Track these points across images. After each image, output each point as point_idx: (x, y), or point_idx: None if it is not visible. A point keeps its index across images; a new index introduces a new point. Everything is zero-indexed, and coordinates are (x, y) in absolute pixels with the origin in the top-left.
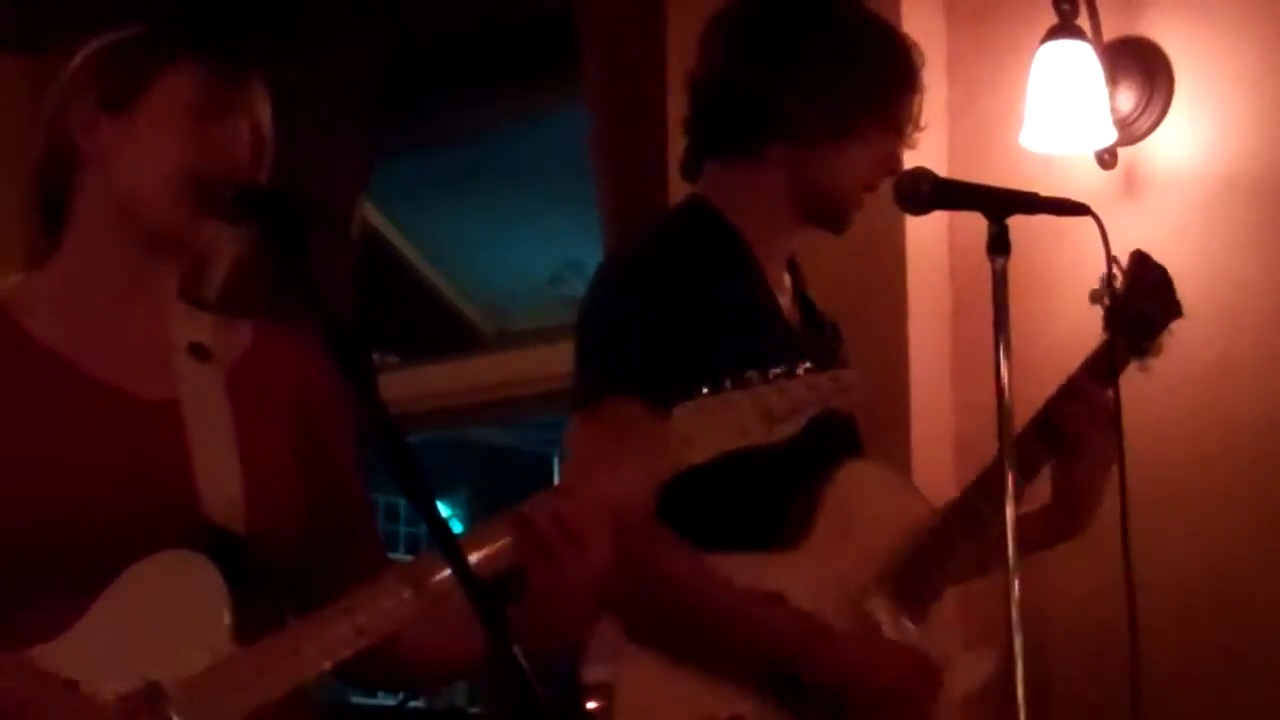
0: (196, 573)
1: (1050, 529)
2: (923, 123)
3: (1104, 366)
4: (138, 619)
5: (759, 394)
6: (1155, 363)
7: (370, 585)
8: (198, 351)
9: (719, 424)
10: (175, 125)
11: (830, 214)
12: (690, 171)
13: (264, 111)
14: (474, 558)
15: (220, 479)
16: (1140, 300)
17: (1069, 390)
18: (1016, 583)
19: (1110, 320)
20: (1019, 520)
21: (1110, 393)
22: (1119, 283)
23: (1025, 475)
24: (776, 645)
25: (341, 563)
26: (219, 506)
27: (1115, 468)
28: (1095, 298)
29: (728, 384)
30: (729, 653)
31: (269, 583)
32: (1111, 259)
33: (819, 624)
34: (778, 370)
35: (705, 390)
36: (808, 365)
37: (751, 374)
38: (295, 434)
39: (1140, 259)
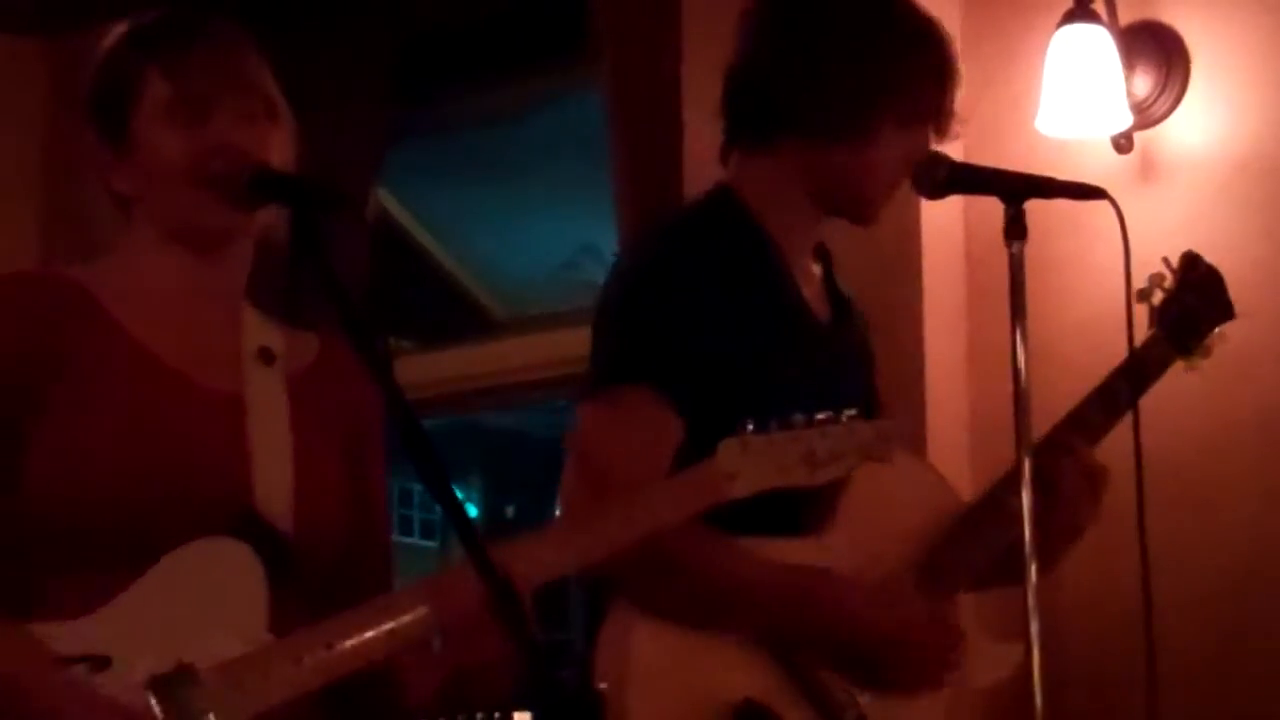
0: (239, 561)
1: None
2: (961, 115)
3: (1120, 394)
4: (177, 600)
5: (803, 438)
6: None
7: (403, 591)
8: (265, 355)
9: (762, 462)
10: (166, 140)
11: (851, 209)
12: (723, 157)
13: (254, 75)
14: (389, 625)
15: (274, 478)
16: (1188, 299)
17: (1060, 446)
18: (1033, 569)
19: (1162, 312)
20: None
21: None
22: (1168, 281)
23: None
24: (779, 600)
25: (353, 580)
26: (270, 503)
27: (1116, 457)
28: (1142, 296)
29: (773, 425)
30: (737, 619)
31: (305, 586)
32: (1164, 259)
33: (823, 573)
34: (823, 415)
35: (750, 428)
36: (852, 413)
37: (797, 417)
38: (344, 449)
39: (1191, 259)
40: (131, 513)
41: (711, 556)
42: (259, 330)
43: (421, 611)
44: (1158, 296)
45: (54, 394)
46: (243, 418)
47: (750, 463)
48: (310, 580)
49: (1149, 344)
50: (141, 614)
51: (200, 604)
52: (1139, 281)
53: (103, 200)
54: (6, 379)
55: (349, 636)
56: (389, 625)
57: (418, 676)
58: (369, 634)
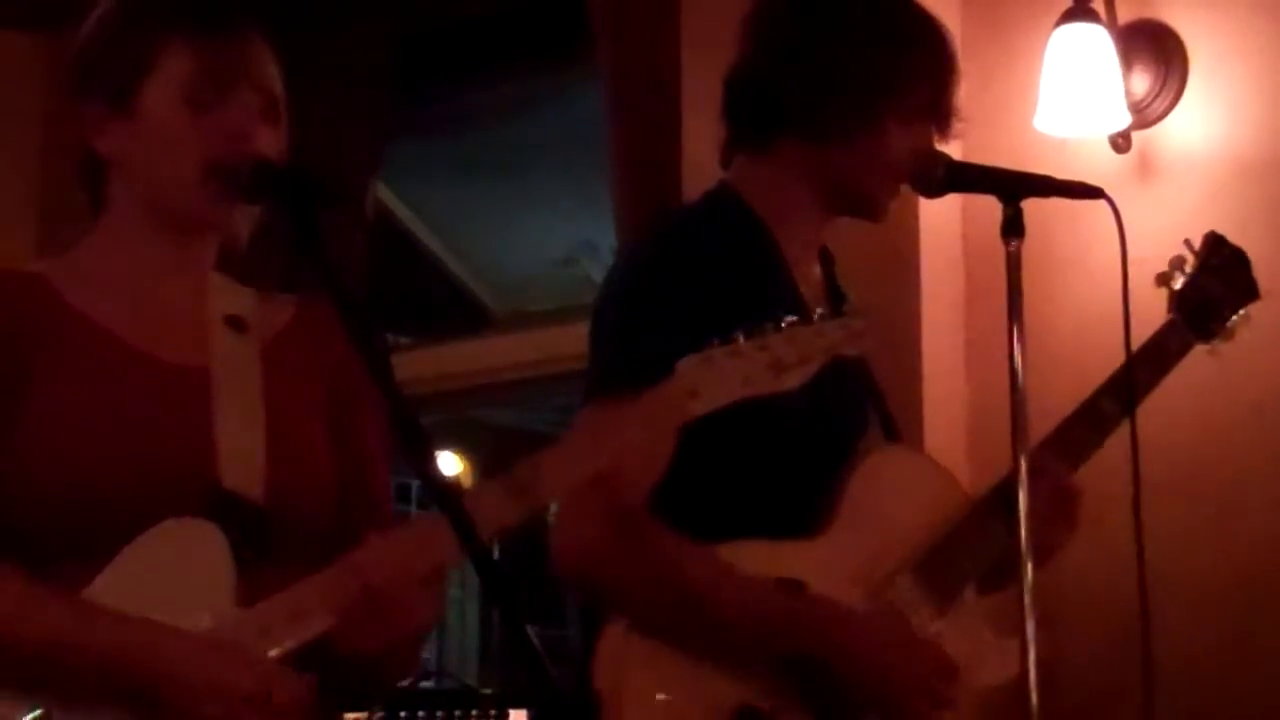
0: (202, 539)
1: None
2: (962, 113)
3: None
4: (144, 584)
5: (768, 343)
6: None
7: (374, 546)
8: (234, 323)
9: (723, 375)
10: (178, 117)
11: (858, 205)
12: (724, 160)
13: (268, 72)
14: (348, 588)
15: (242, 448)
16: (1208, 282)
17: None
18: (1030, 566)
19: (1181, 297)
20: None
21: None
22: (1190, 264)
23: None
24: (768, 627)
25: (349, 542)
26: (238, 475)
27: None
28: (1162, 280)
29: (739, 336)
30: (730, 639)
31: (294, 552)
32: (1185, 240)
33: (820, 605)
34: (792, 318)
35: (715, 342)
36: (821, 311)
37: (766, 324)
38: (329, 410)
39: (1215, 240)
40: (102, 500)
41: (722, 596)
42: (227, 298)
43: (396, 561)
44: (1178, 280)
45: (19, 388)
46: (208, 390)
47: (712, 376)
48: (294, 549)
49: (1166, 330)
50: (113, 599)
51: (168, 585)
52: (1138, 277)
53: (74, 165)
54: None
55: (317, 599)
56: (362, 580)
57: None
58: (339, 593)
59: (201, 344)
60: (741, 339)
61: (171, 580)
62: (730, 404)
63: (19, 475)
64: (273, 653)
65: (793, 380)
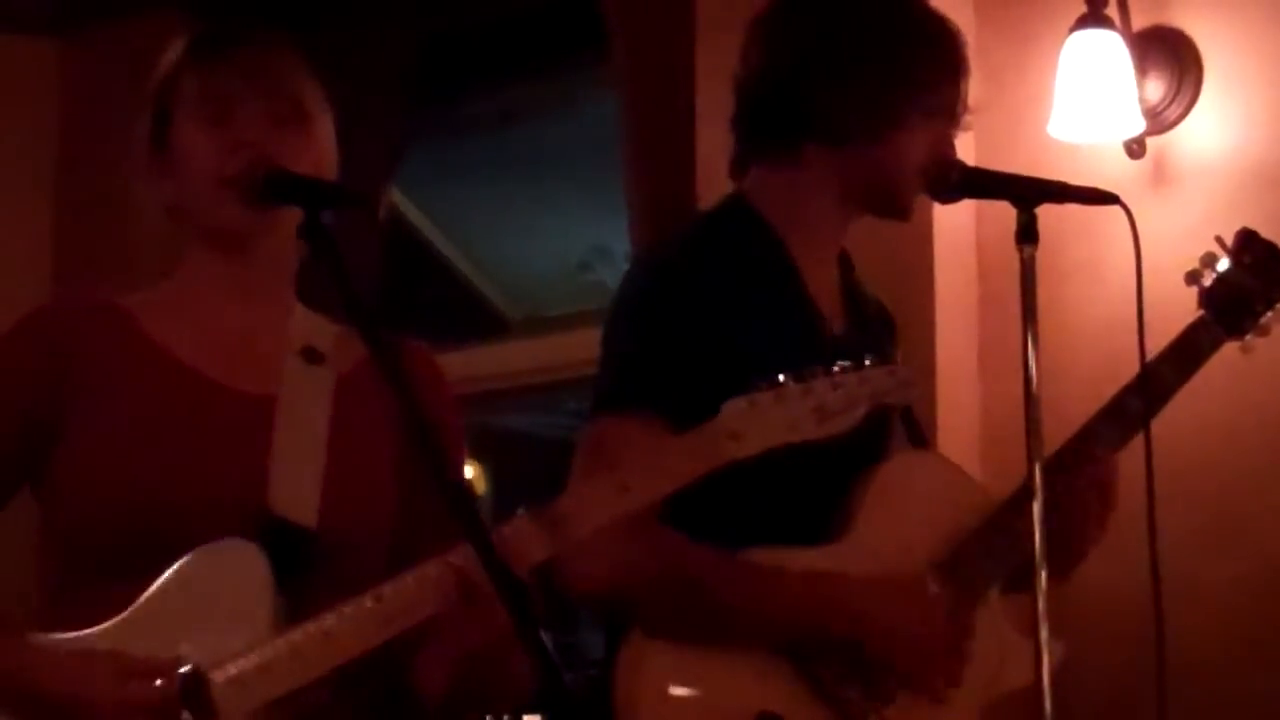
0: (244, 561)
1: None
2: (971, 105)
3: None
4: (185, 605)
5: (814, 389)
6: None
7: (403, 574)
8: (310, 355)
9: (769, 419)
10: (195, 140)
11: (887, 204)
12: (735, 171)
13: (282, 77)
14: (383, 613)
15: (297, 475)
16: (1240, 278)
17: (1069, 462)
18: (1043, 576)
19: (1210, 294)
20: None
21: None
22: (1221, 261)
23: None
24: (781, 604)
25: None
26: (290, 500)
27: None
28: (1192, 278)
29: (787, 379)
30: (747, 630)
31: (344, 578)
32: (1217, 237)
33: (823, 574)
34: (840, 365)
35: (762, 385)
36: (870, 359)
37: (815, 368)
38: (398, 447)
39: (1247, 236)
40: (150, 519)
41: (724, 578)
42: (307, 329)
43: (418, 598)
44: (1209, 278)
45: (85, 407)
46: (270, 418)
47: (756, 420)
48: (344, 575)
49: (1196, 327)
50: (154, 618)
51: (208, 606)
52: (1153, 284)
53: (156, 214)
54: (43, 393)
55: (345, 626)
56: (387, 608)
57: (427, 670)
58: (366, 621)
59: (273, 374)
60: (788, 381)
61: (211, 600)
62: (772, 449)
63: (73, 488)
64: (308, 678)
65: (836, 427)
